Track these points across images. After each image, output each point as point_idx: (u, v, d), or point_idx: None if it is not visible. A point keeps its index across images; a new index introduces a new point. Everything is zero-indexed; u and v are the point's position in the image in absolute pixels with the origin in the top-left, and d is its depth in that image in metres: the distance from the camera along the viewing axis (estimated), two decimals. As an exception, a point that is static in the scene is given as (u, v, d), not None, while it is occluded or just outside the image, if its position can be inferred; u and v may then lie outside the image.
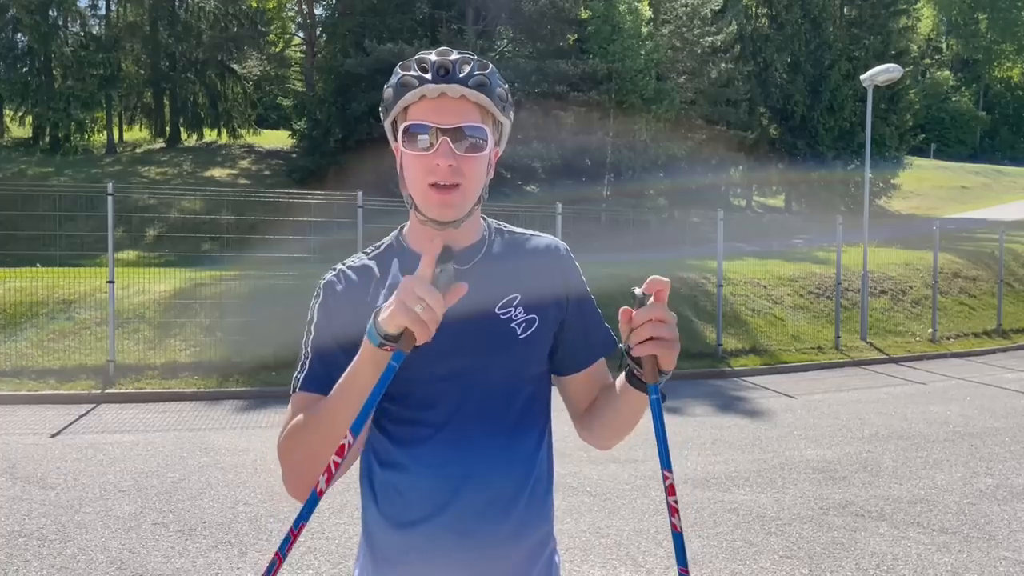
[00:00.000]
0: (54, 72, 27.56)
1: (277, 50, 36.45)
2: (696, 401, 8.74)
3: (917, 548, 4.42)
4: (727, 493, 5.38)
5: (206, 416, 7.71)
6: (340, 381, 1.20)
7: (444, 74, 1.23)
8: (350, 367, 1.19)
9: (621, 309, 1.16)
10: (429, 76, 1.24)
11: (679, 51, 23.44)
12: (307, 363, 1.30)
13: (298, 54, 35.01)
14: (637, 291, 1.16)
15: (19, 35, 27.86)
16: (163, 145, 29.89)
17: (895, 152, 29.02)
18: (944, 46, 59.20)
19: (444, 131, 1.23)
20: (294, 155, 26.77)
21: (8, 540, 4.35)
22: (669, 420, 8.10)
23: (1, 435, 6.73)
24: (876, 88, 14.47)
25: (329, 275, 1.36)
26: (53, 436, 6.72)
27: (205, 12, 29.50)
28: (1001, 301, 15.15)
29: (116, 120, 30.59)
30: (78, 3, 28.54)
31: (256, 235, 11.24)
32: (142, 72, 30.17)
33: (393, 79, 1.29)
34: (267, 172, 26.11)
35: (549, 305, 1.35)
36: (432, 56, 1.26)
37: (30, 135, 28.26)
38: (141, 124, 33.10)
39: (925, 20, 46.35)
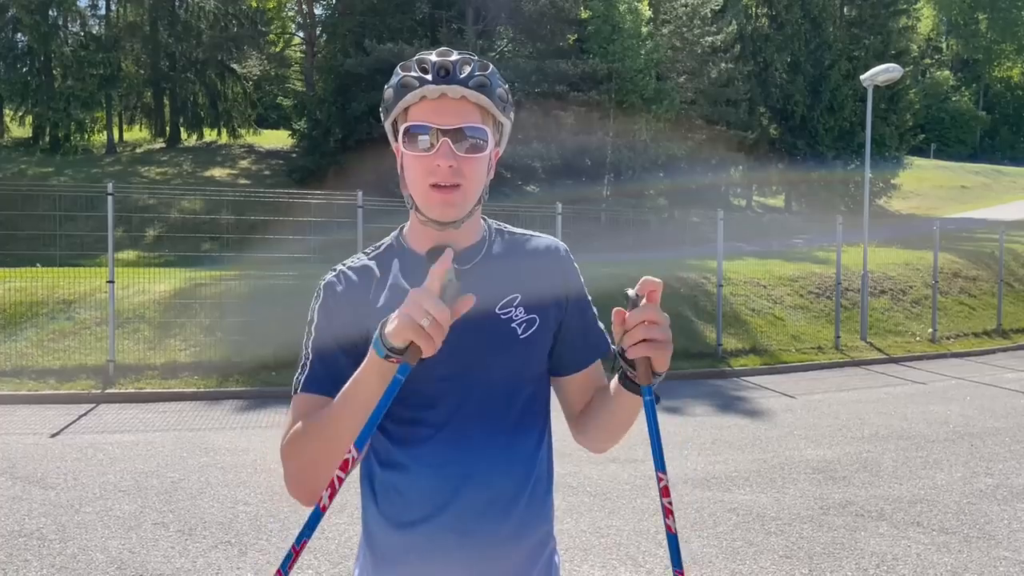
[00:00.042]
0: (54, 72, 27.56)
1: (277, 50, 36.45)
2: (696, 401, 8.74)
3: (917, 548, 4.42)
4: (727, 493, 5.38)
5: (206, 416, 7.72)
6: (344, 389, 1.19)
7: (444, 75, 1.23)
8: (355, 376, 1.18)
9: (614, 310, 1.15)
10: (429, 77, 1.24)
11: (679, 51, 23.44)
12: (308, 364, 1.30)
13: (298, 54, 35.00)
14: (630, 292, 1.15)
15: (19, 35, 27.87)
16: (163, 145, 29.90)
17: (895, 152, 29.03)
18: (944, 46, 59.21)
19: (445, 132, 1.24)
20: (294, 155, 26.78)
21: (8, 540, 4.35)
22: (669, 420, 8.14)
23: (1, 435, 6.73)
24: (876, 88, 14.47)
25: (329, 276, 1.36)
26: (53, 436, 6.72)
27: (205, 12, 29.50)
28: (1001, 301, 15.15)
29: (116, 120, 30.60)
30: (78, 3, 28.55)
31: (256, 235, 11.24)
32: (142, 72, 30.17)
33: (393, 80, 1.29)
34: (267, 172, 26.11)
35: (549, 305, 1.35)
36: (432, 57, 1.26)
37: (30, 135, 28.27)
38: (141, 124, 33.11)
39: (925, 20, 46.35)
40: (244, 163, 27.55)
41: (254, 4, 32.66)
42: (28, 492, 5.18)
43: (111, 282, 9.27)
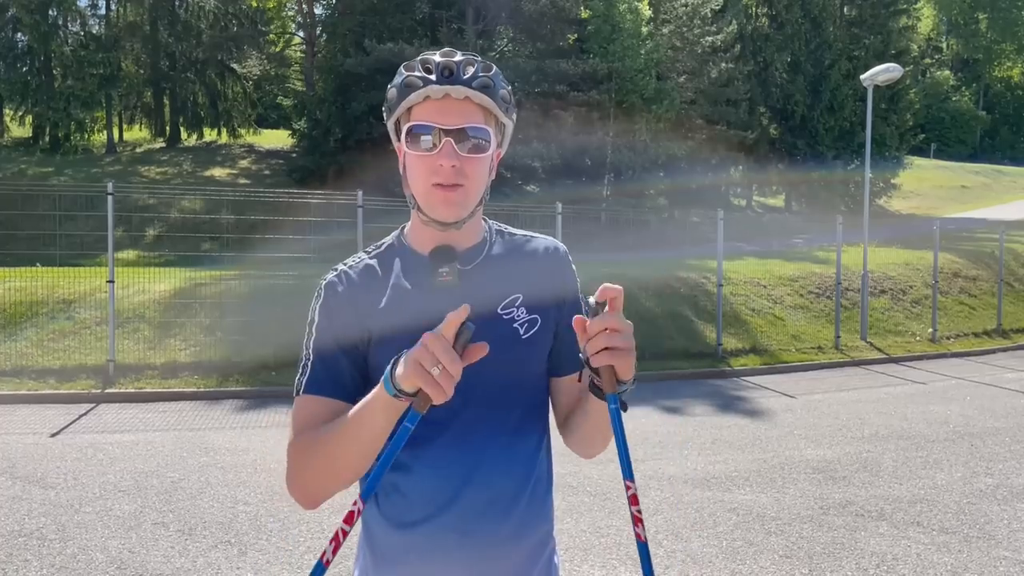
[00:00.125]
0: (54, 72, 27.55)
1: (277, 50, 36.44)
2: (696, 401, 8.74)
3: (917, 548, 4.42)
4: (727, 493, 5.38)
5: (206, 416, 7.71)
6: (351, 419, 1.18)
7: (448, 75, 1.24)
8: (363, 406, 1.17)
9: (575, 318, 1.14)
10: (433, 77, 1.24)
11: (679, 51, 23.43)
12: (309, 365, 1.30)
13: (298, 54, 34.99)
14: (591, 300, 1.14)
15: (19, 34, 27.86)
16: (163, 145, 29.90)
17: (895, 152, 29.02)
18: (944, 46, 59.20)
19: (448, 132, 1.24)
20: (294, 155, 26.78)
21: (8, 540, 4.35)
22: (669, 420, 8.13)
23: (1, 435, 6.73)
24: (876, 88, 14.46)
25: (330, 275, 1.36)
26: (53, 436, 6.72)
27: (205, 12, 29.50)
28: (1001, 301, 15.15)
29: (116, 120, 30.60)
30: (78, 3, 28.55)
31: (256, 235, 11.24)
32: (142, 72, 30.17)
33: (397, 79, 1.29)
34: (267, 172, 26.11)
35: (550, 306, 1.35)
36: (436, 57, 1.26)
37: (30, 135, 28.27)
38: (141, 124, 33.12)
39: (925, 20, 46.34)
40: (244, 163, 27.56)
41: (254, 4, 32.66)
42: (28, 492, 5.18)
43: (111, 282, 9.27)
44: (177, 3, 29.78)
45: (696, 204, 22.98)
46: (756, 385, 9.90)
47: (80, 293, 10.07)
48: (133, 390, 8.49)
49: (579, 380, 1.31)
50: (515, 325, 1.31)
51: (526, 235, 1.44)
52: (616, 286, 1.13)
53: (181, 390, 8.54)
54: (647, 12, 21.79)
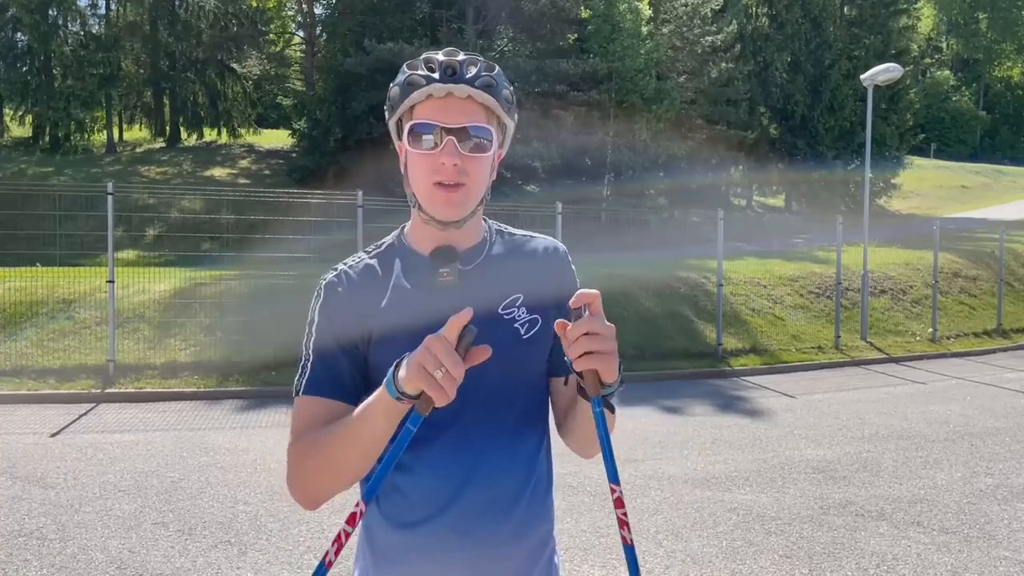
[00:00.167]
0: (54, 71, 27.54)
1: (277, 49, 36.43)
2: (696, 401, 8.74)
3: (917, 548, 4.42)
4: (727, 493, 5.38)
5: (206, 416, 7.71)
6: (353, 421, 1.18)
7: (451, 74, 1.24)
8: (365, 408, 1.17)
9: (556, 323, 1.14)
10: (437, 75, 1.24)
11: (679, 51, 23.42)
12: (308, 366, 1.30)
13: (298, 53, 34.99)
14: (571, 305, 1.14)
15: (19, 34, 27.85)
16: (163, 145, 29.89)
17: (895, 152, 29.02)
18: (944, 46, 59.20)
19: (450, 131, 1.24)
20: (294, 155, 26.77)
21: (8, 539, 4.35)
22: (669, 420, 8.12)
23: (1, 434, 6.73)
24: (876, 88, 14.46)
25: (330, 275, 1.36)
26: (53, 436, 6.72)
27: (205, 11, 29.49)
28: (1001, 301, 15.15)
29: (116, 120, 30.59)
30: (78, 2, 28.54)
31: (256, 235, 11.24)
32: (142, 71, 30.17)
33: (400, 77, 1.29)
34: (267, 172, 26.11)
35: (550, 306, 1.35)
36: (440, 56, 1.26)
37: (30, 134, 28.26)
38: (141, 124, 33.11)
39: (925, 20, 46.35)
40: (244, 163, 27.55)
41: (254, 4, 32.65)
42: (28, 492, 5.18)
43: (111, 282, 9.27)
44: (177, 3, 29.78)
45: (696, 204, 22.98)
46: (756, 385, 9.90)
47: (80, 293, 10.07)
48: (133, 390, 8.49)
49: (565, 384, 1.31)
50: (516, 325, 1.31)
51: (526, 235, 1.44)
52: (592, 291, 1.13)
53: (181, 390, 8.54)
54: (647, 12, 21.78)
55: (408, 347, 1.18)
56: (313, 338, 1.31)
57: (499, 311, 1.31)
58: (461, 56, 1.26)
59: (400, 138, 1.31)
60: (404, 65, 1.30)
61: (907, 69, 25.83)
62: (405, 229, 1.40)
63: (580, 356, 1.11)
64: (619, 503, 1.19)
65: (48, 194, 13.31)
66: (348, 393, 1.28)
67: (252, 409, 8.02)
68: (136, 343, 9.41)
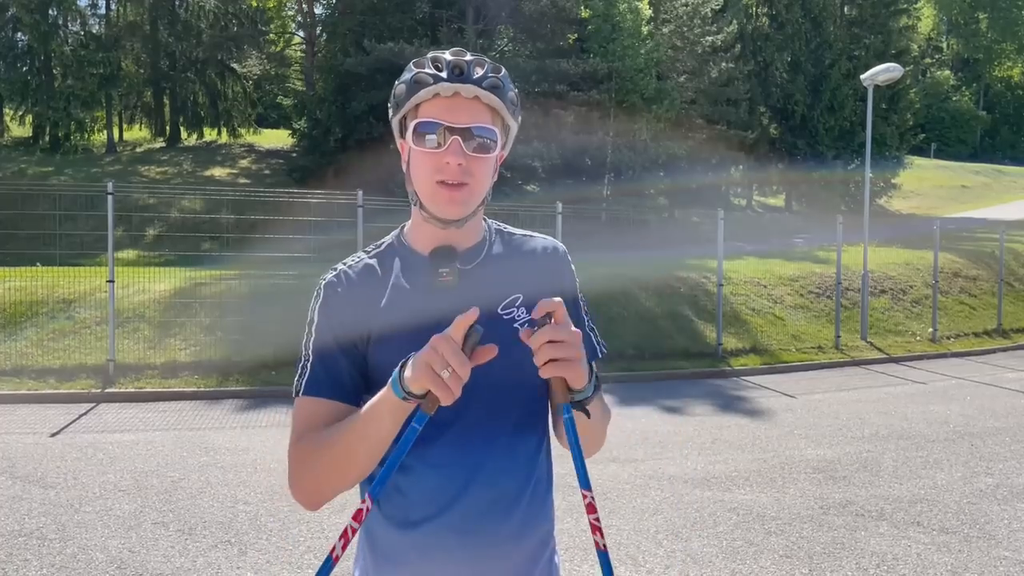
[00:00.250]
0: (54, 71, 27.53)
1: (277, 49, 36.44)
2: (696, 401, 8.74)
3: (917, 548, 4.42)
4: (727, 493, 5.38)
5: (206, 416, 7.71)
6: (357, 420, 1.19)
7: (459, 74, 1.24)
8: (370, 407, 1.18)
9: (520, 331, 1.15)
10: (444, 74, 1.24)
11: (679, 50, 23.41)
12: (308, 366, 1.30)
13: (298, 53, 34.99)
14: (534, 315, 1.14)
15: (19, 34, 27.84)
16: (163, 144, 29.89)
17: (895, 152, 29.01)
18: (944, 45, 59.20)
19: (455, 130, 1.24)
20: (294, 154, 26.77)
21: (8, 539, 4.35)
22: (669, 420, 8.12)
23: (1, 434, 6.73)
24: (876, 87, 14.45)
25: (329, 275, 1.36)
26: (53, 435, 6.72)
27: (205, 11, 29.49)
28: (1001, 301, 15.15)
29: (116, 119, 30.59)
30: (78, 2, 28.52)
31: (256, 235, 11.24)
32: (142, 71, 30.16)
33: (406, 75, 1.28)
34: (267, 171, 26.11)
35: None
36: (447, 55, 1.26)
37: (30, 134, 28.25)
38: (141, 123, 33.11)
39: (925, 19, 46.33)
40: (244, 162, 27.55)
41: (254, 3, 32.65)
42: (28, 491, 5.18)
43: (111, 281, 9.27)
44: (177, 3, 29.77)
45: (696, 204, 22.97)
46: (756, 385, 9.90)
47: (80, 293, 10.07)
48: (133, 390, 8.49)
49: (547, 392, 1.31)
50: (516, 325, 1.31)
51: (526, 234, 1.44)
52: (554, 299, 1.13)
53: (181, 390, 8.54)
54: (647, 12, 21.78)
55: (407, 347, 1.18)
56: (313, 338, 1.31)
57: (498, 311, 1.31)
58: (468, 56, 1.26)
59: (403, 136, 1.31)
60: (411, 63, 1.30)
61: (907, 69, 25.82)
62: (405, 229, 1.40)
63: (545, 364, 1.12)
64: (591, 508, 1.19)
65: (48, 194, 13.31)
66: (348, 393, 1.28)
67: (252, 409, 8.02)
68: (136, 343, 9.41)
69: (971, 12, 57.71)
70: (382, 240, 1.41)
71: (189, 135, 31.21)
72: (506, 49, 23.64)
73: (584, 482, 1.19)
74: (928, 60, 49.13)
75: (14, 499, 5.02)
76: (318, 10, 30.54)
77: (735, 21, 24.99)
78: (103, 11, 30.51)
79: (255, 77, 34.69)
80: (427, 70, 1.25)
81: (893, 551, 4.36)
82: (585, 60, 21.33)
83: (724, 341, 11.45)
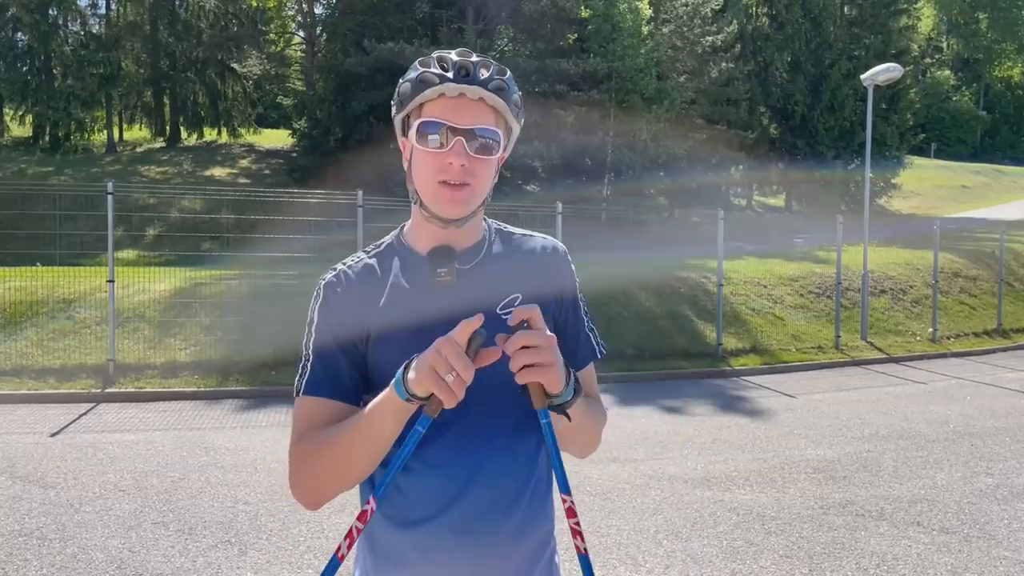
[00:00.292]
0: (54, 71, 27.52)
1: (277, 49, 36.43)
2: (696, 401, 8.74)
3: (917, 548, 4.42)
4: (727, 493, 5.38)
5: (206, 415, 7.71)
6: (363, 418, 1.19)
7: (465, 75, 1.24)
8: (373, 408, 1.18)
9: (497, 336, 1.15)
10: (451, 75, 1.24)
11: (679, 50, 23.41)
12: (308, 366, 1.30)
13: (298, 53, 35.00)
14: (510, 324, 1.15)
15: (19, 34, 27.83)
16: (163, 144, 29.89)
17: (895, 152, 29.01)
18: (944, 45, 59.21)
19: (459, 131, 1.24)
20: (294, 154, 26.77)
21: (8, 539, 4.35)
22: (669, 420, 8.12)
23: (1, 434, 6.73)
24: (876, 87, 14.45)
25: (329, 275, 1.36)
26: (53, 435, 6.72)
27: (205, 11, 29.48)
28: (1001, 301, 15.15)
29: (116, 119, 30.59)
30: (78, 2, 28.51)
31: (256, 234, 11.23)
32: (142, 71, 30.16)
33: (411, 74, 1.28)
34: (267, 171, 26.11)
35: (549, 305, 1.35)
36: (453, 56, 1.26)
37: (30, 134, 28.24)
38: (141, 123, 33.10)
39: (925, 19, 46.33)
40: (244, 162, 27.55)
41: (254, 3, 32.64)
42: (28, 491, 5.18)
43: (111, 281, 9.26)
44: (177, 3, 29.77)
45: (696, 204, 22.97)
46: (756, 385, 9.90)
47: (80, 293, 10.07)
48: (133, 390, 8.49)
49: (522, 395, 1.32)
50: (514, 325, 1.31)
51: (525, 234, 1.44)
52: (529, 307, 1.14)
53: (181, 390, 8.54)
54: (647, 12, 21.77)
55: (407, 346, 1.19)
56: (313, 338, 1.31)
57: (497, 311, 1.31)
58: (475, 58, 1.27)
59: (406, 134, 1.31)
60: (416, 62, 1.30)
61: (907, 69, 25.82)
62: (404, 229, 1.40)
63: (520, 369, 1.12)
64: (571, 512, 1.21)
65: (48, 194, 13.30)
66: (348, 393, 1.28)
67: (252, 409, 8.02)
68: (136, 343, 9.41)
69: (971, 12, 57.72)
70: (382, 240, 1.42)
71: (189, 135, 31.21)
72: (506, 49, 23.63)
73: (564, 487, 1.20)
74: (928, 60, 49.13)
75: (14, 499, 5.02)
76: (318, 10, 30.55)
77: (735, 21, 24.99)
78: (103, 11, 30.52)
79: (255, 77, 34.69)
80: (433, 70, 1.25)
81: (893, 551, 4.36)
82: (585, 60, 21.32)
83: (724, 341, 11.45)
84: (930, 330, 13.67)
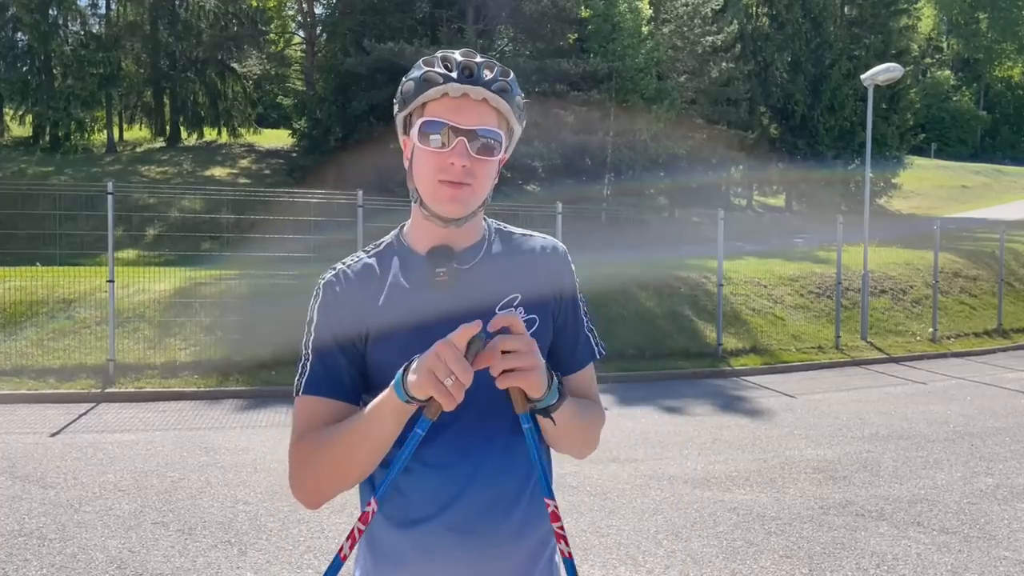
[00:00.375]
0: (54, 71, 27.53)
1: (277, 49, 36.44)
2: (696, 401, 8.74)
3: (917, 548, 4.42)
4: (727, 493, 5.38)
5: (206, 415, 7.71)
6: (363, 418, 1.20)
7: (469, 75, 1.24)
8: (373, 408, 1.19)
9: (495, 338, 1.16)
10: (454, 75, 1.24)
11: (680, 50, 23.41)
12: (308, 365, 1.30)
13: (298, 53, 35.00)
14: (490, 330, 1.15)
15: (19, 34, 27.84)
16: (163, 144, 29.90)
17: (896, 151, 29.01)
18: (945, 45, 59.21)
19: (462, 131, 1.24)
20: (294, 154, 26.78)
21: (8, 539, 4.35)
22: (669, 420, 8.12)
23: (1, 434, 6.73)
24: (877, 87, 14.45)
25: (328, 275, 1.36)
26: (53, 435, 6.72)
27: (205, 11, 29.49)
28: (1001, 301, 15.15)
29: (116, 119, 30.60)
30: (78, 2, 28.52)
31: (256, 234, 11.23)
32: (142, 71, 30.17)
33: (415, 73, 1.28)
34: (267, 171, 26.11)
35: (548, 305, 1.35)
36: (457, 56, 1.26)
37: (30, 134, 28.25)
38: (141, 123, 33.12)
39: (926, 19, 46.34)
40: (244, 162, 27.55)
41: (254, 3, 32.65)
42: (28, 491, 5.18)
43: (111, 281, 9.26)
44: (177, 3, 29.77)
45: (696, 203, 22.98)
46: (756, 385, 9.90)
47: (80, 293, 10.07)
48: (133, 390, 8.49)
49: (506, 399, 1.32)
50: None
51: (525, 234, 1.44)
52: (506, 317, 1.15)
53: (181, 390, 8.54)
54: (647, 11, 21.78)
55: (406, 345, 1.19)
56: (312, 338, 1.31)
57: (496, 311, 1.31)
58: (479, 58, 1.27)
59: (407, 133, 1.31)
60: (420, 61, 1.29)
61: (907, 69, 25.81)
62: (404, 228, 1.40)
63: (500, 374, 1.13)
64: (554, 517, 1.21)
65: (48, 194, 13.29)
66: (348, 392, 1.29)
67: (252, 409, 8.02)
68: (136, 343, 9.41)
69: (971, 12, 57.73)
70: (381, 240, 1.42)
71: (189, 135, 31.21)
72: (506, 49, 23.63)
73: (547, 491, 1.21)
74: (928, 60, 49.13)
75: (14, 499, 5.02)
76: (318, 10, 30.56)
77: (735, 21, 24.99)
78: (103, 11, 30.52)
79: (255, 77, 34.69)
80: (437, 69, 1.25)
81: (893, 551, 4.36)
82: (585, 60, 21.33)
83: (724, 341, 11.44)
84: (930, 330, 13.67)
